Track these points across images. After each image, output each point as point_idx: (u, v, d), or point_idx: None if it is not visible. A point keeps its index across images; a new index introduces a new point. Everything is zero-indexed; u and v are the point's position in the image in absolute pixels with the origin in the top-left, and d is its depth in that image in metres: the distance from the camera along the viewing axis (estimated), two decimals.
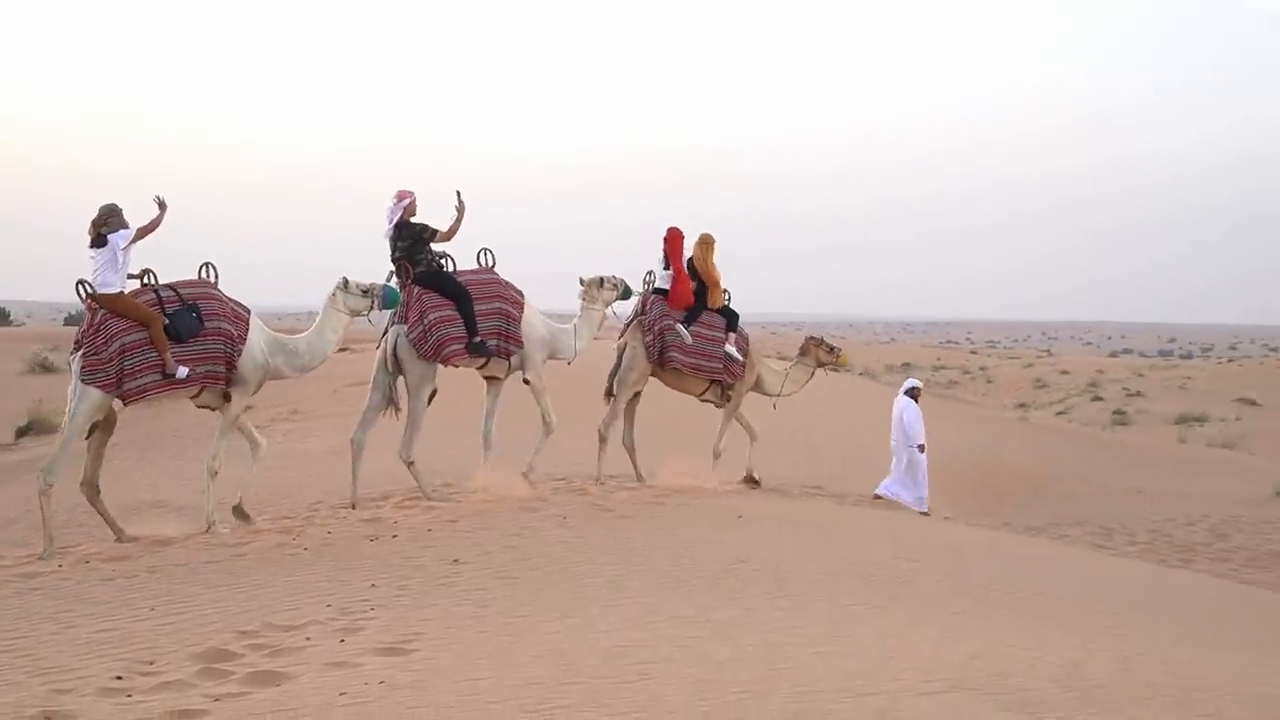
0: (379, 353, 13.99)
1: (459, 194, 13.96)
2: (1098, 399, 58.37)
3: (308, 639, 7.96)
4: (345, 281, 13.41)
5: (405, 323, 13.69)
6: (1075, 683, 6.80)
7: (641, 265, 15.81)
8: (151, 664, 7.50)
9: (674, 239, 15.73)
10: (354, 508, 13.52)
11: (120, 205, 12.19)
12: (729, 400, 16.14)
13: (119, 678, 7.20)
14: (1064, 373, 73.62)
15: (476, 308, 13.85)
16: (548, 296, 15.02)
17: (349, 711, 6.39)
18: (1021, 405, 55.45)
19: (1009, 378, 71.54)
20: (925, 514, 16.74)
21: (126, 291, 12.16)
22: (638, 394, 15.90)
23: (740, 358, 15.92)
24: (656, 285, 15.80)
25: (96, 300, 12.02)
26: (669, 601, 8.82)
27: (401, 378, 13.88)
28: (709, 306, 15.72)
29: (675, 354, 15.42)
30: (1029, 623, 8.92)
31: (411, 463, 13.81)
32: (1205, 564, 17.81)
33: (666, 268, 15.73)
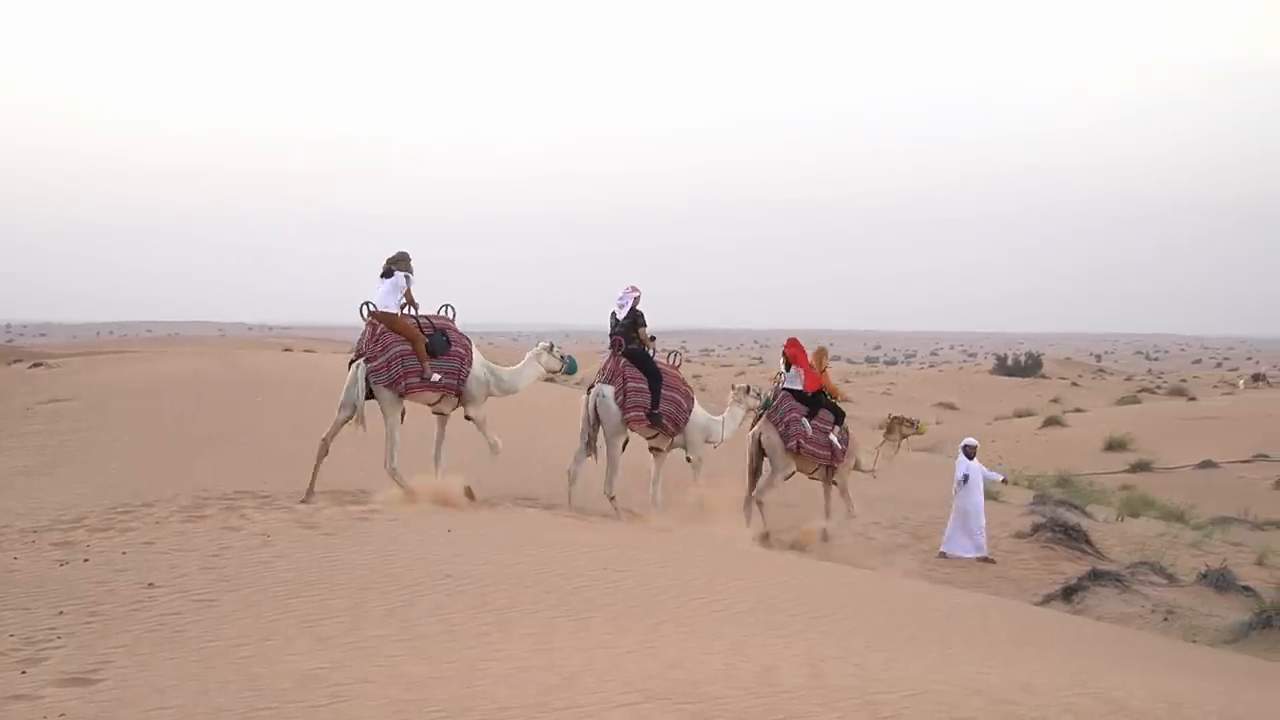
0: (585, 406, 17.28)
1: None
2: None
3: None
4: (551, 346, 17.43)
5: (610, 384, 17.07)
6: (766, 689, 6.95)
7: None
8: None
9: (794, 346, 19.67)
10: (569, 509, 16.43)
11: (409, 253, 15.75)
12: (834, 482, 19.54)
13: None
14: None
15: (663, 391, 17.30)
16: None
17: None
18: None
19: (722, 385, 72.92)
20: (988, 559, 19.57)
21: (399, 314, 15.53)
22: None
23: (841, 446, 19.31)
24: (785, 385, 19.29)
25: (378, 318, 15.44)
26: (371, 620, 8.72)
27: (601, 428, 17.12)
28: (824, 403, 19.33)
29: (800, 441, 18.87)
30: (728, 630, 9.07)
31: (613, 498, 16.78)
32: (908, 566, 18.42)
33: (788, 369, 19.41)
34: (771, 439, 18.98)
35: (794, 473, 19.38)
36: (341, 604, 9.22)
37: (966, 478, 19.83)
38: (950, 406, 61.51)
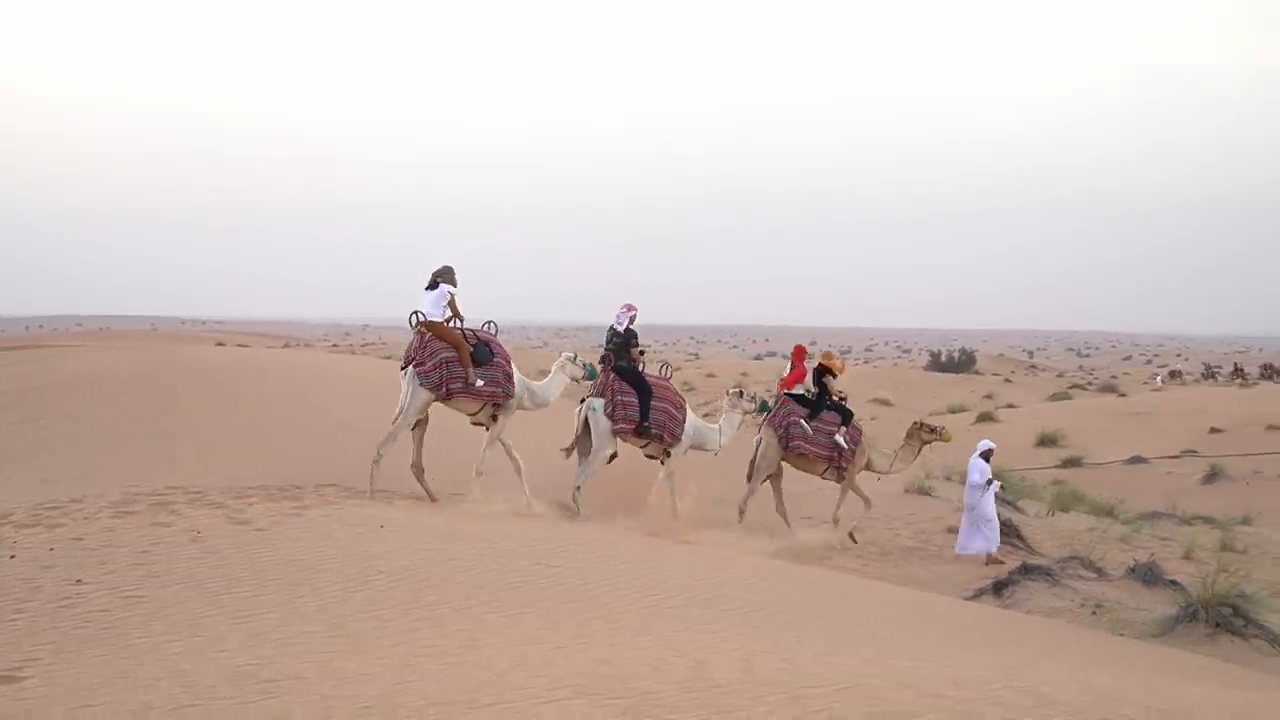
0: (577, 417, 18.08)
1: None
2: None
3: None
4: (574, 355, 18.63)
5: (602, 398, 17.95)
6: (697, 684, 6.96)
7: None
8: None
9: (798, 354, 20.92)
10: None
11: (453, 267, 16.64)
12: (842, 479, 20.32)
13: None
14: (710, 376, 75.72)
15: (652, 403, 18.14)
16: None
17: None
18: None
19: None
20: (995, 557, 19.29)
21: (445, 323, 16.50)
22: (775, 475, 20.26)
23: (846, 446, 20.06)
24: (785, 393, 20.29)
25: (426, 326, 16.40)
26: (302, 616, 8.66)
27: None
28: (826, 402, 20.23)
29: (798, 443, 19.91)
30: (660, 625, 9.09)
31: (578, 488, 17.53)
32: (840, 559, 18.50)
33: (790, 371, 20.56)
34: (769, 441, 19.97)
35: (769, 477, 20.15)
36: (272, 600, 9.16)
37: (991, 482, 19.84)
38: (885, 402, 61.84)
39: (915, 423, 21.44)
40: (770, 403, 20.36)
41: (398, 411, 16.24)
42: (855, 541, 19.88)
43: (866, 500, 20.47)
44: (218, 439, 20.29)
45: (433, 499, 16.03)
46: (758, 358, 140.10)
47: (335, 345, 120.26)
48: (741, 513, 19.43)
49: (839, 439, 19.97)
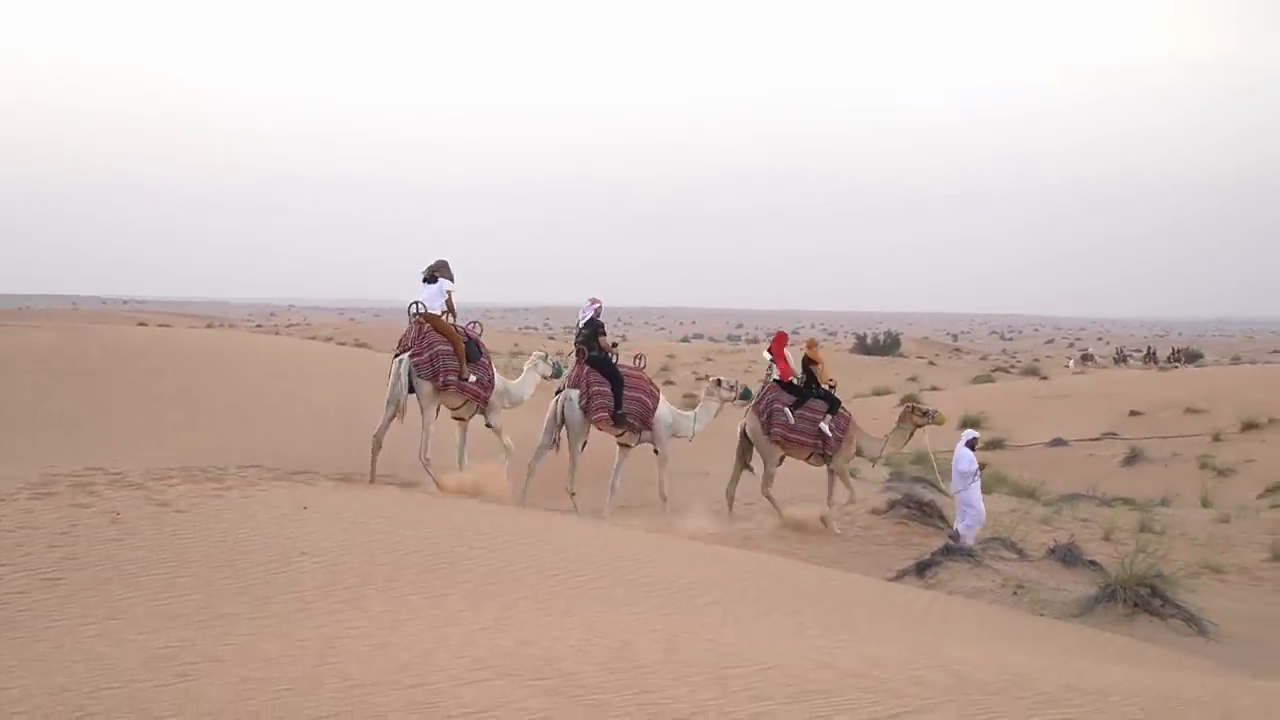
0: (551, 408, 18.71)
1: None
2: (669, 383, 60.17)
3: None
4: (545, 355, 19.38)
5: (576, 389, 18.51)
6: (621, 664, 6.96)
7: None
8: None
9: (778, 341, 21.16)
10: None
11: (449, 261, 17.32)
12: (831, 469, 20.49)
13: None
14: (638, 357, 75.71)
15: (625, 392, 18.68)
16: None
17: None
18: None
19: None
20: (966, 544, 18.49)
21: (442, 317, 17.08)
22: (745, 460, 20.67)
23: (830, 434, 20.19)
24: (774, 378, 20.62)
25: (425, 318, 16.94)
26: (222, 598, 8.60)
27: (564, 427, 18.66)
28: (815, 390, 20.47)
29: (778, 430, 20.13)
30: (584, 607, 9.09)
31: (573, 494, 18.35)
32: (766, 542, 18.56)
33: (774, 362, 20.78)
34: (754, 428, 20.25)
35: (783, 459, 20.42)
36: (192, 582, 9.08)
37: (979, 470, 19.80)
38: None
39: (907, 406, 21.68)
40: (752, 390, 20.76)
41: (384, 404, 16.73)
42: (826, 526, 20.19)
43: (850, 491, 20.65)
44: (140, 419, 20.08)
45: (371, 479, 16.15)
46: (684, 340, 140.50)
47: (259, 326, 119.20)
48: (770, 499, 20.02)
49: (824, 427, 20.18)
